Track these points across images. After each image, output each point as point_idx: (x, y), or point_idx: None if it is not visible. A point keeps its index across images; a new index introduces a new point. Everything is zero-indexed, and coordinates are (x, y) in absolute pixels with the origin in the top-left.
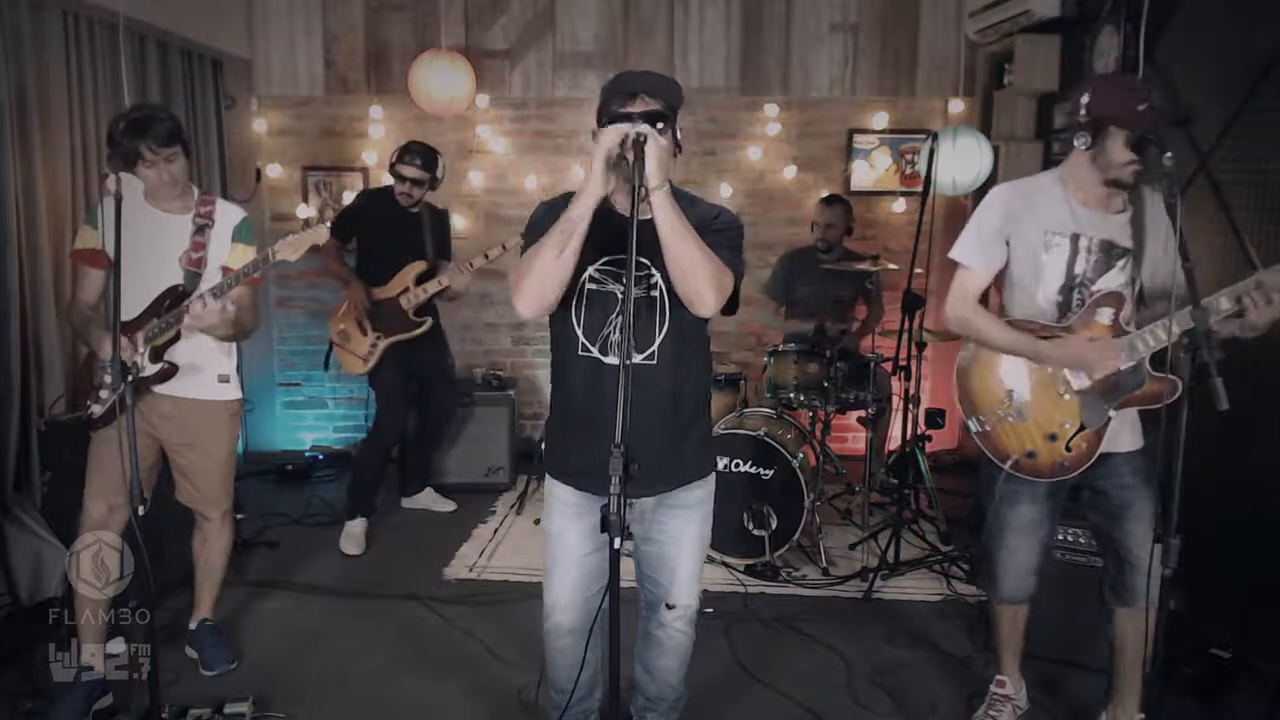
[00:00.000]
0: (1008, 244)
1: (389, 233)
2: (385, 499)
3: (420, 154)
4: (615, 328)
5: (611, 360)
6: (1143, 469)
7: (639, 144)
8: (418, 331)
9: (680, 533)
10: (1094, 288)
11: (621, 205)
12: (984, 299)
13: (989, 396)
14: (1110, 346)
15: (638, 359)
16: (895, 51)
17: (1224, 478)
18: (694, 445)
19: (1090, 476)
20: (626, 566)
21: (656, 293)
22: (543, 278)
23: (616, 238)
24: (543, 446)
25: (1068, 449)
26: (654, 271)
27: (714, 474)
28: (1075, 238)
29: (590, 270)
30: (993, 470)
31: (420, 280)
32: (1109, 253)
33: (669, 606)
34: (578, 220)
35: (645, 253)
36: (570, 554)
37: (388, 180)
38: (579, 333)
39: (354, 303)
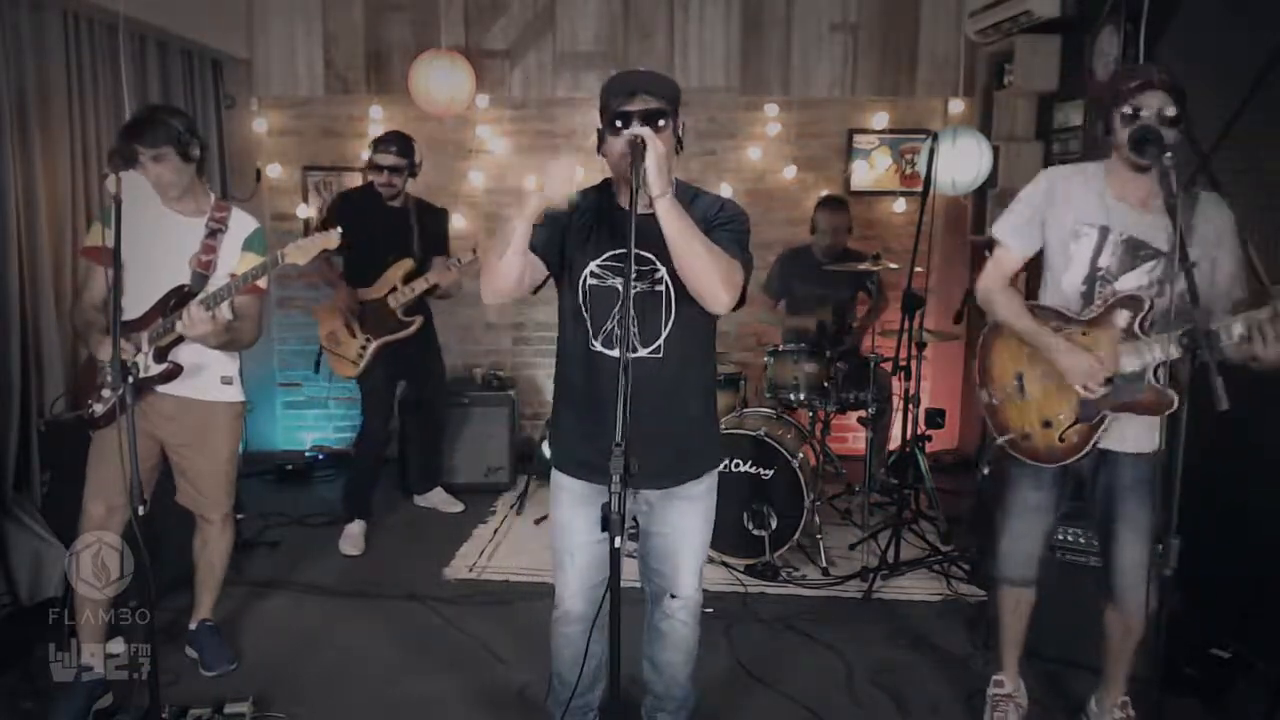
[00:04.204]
0: (1045, 227)
1: (373, 231)
2: (386, 499)
3: (395, 141)
4: (618, 322)
5: (616, 353)
6: (1147, 476)
7: (638, 148)
8: (408, 331)
9: (684, 524)
10: (1115, 285)
11: (624, 200)
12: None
13: (1002, 373)
14: (1103, 368)
15: (643, 352)
16: (895, 51)
17: (1224, 477)
18: (701, 440)
19: (1095, 471)
20: (630, 567)
21: (661, 287)
22: (491, 274)
23: (618, 233)
24: (544, 443)
25: (1060, 439)
26: (659, 265)
27: (718, 467)
28: (1104, 230)
29: (591, 266)
30: (1006, 456)
31: (408, 279)
32: (1135, 252)
33: (673, 596)
34: (512, 235)
35: (649, 246)
36: (577, 541)
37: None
38: (584, 328)
39: (340, 305)
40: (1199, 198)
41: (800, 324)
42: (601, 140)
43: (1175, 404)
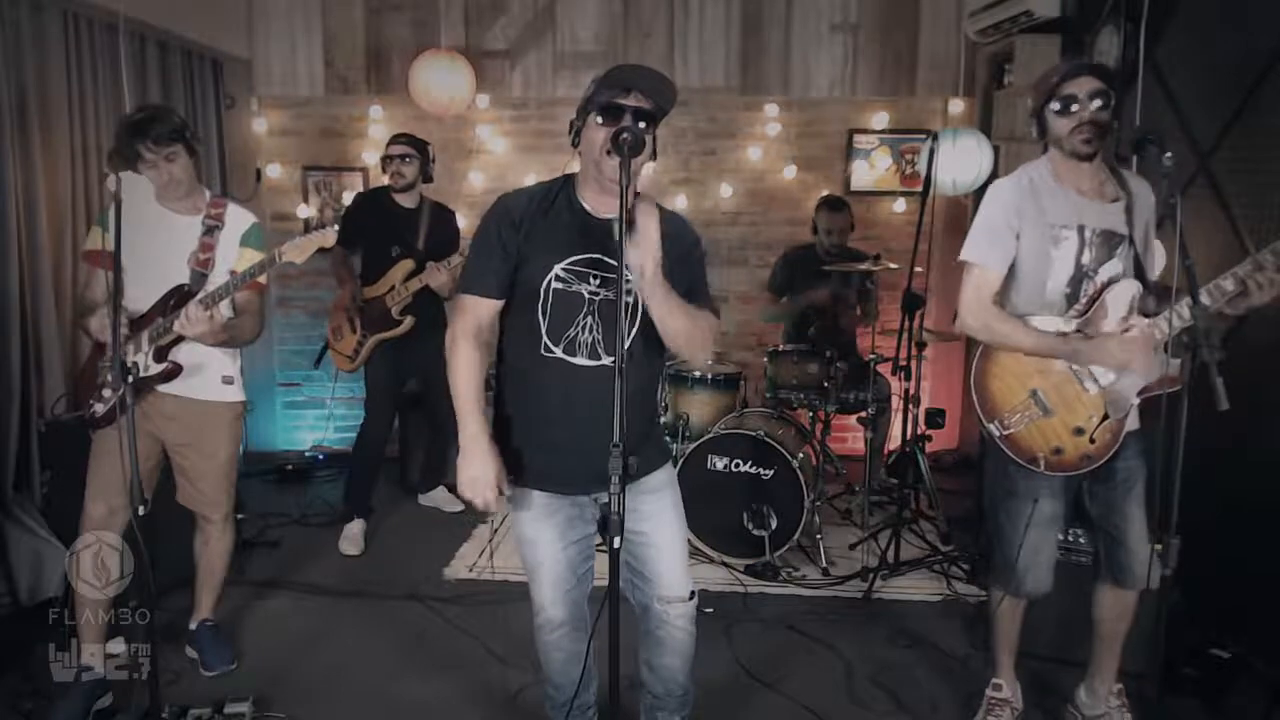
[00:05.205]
0: (1017, 239)
1: (380, 231)
2: (388, 497)
3: (407, 136)
4: (583, 328)
5: (579, 361)
6: (1144, 449)
7: (623, 145)
8: (397, 331)
9: (656, 512)
10: (1097, 278)
11: (591, 205)
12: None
13: (1011, 398)
14: (1142, 342)
15: (606, 360)
16: (895, 51)
17: (1224, 476)
18: (655, 437)
19: (1114, 457)
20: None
21: (629, 295)
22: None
23: (584, 236)
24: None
25: (1092, 440)
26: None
27: (669, 461)
28: (1081, 229)
29: (557, 269)
30: (1008, 468)
31: (408, 279)
32: (1109, 242)
33: (668, 602)
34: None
35: (616, 254)
36: (549, 552)
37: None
38: (543, 333)
39: (341, 302)
40: (1126, 177)
41: (807, 301)
42: (577, 132)
43: (1194, 368)
